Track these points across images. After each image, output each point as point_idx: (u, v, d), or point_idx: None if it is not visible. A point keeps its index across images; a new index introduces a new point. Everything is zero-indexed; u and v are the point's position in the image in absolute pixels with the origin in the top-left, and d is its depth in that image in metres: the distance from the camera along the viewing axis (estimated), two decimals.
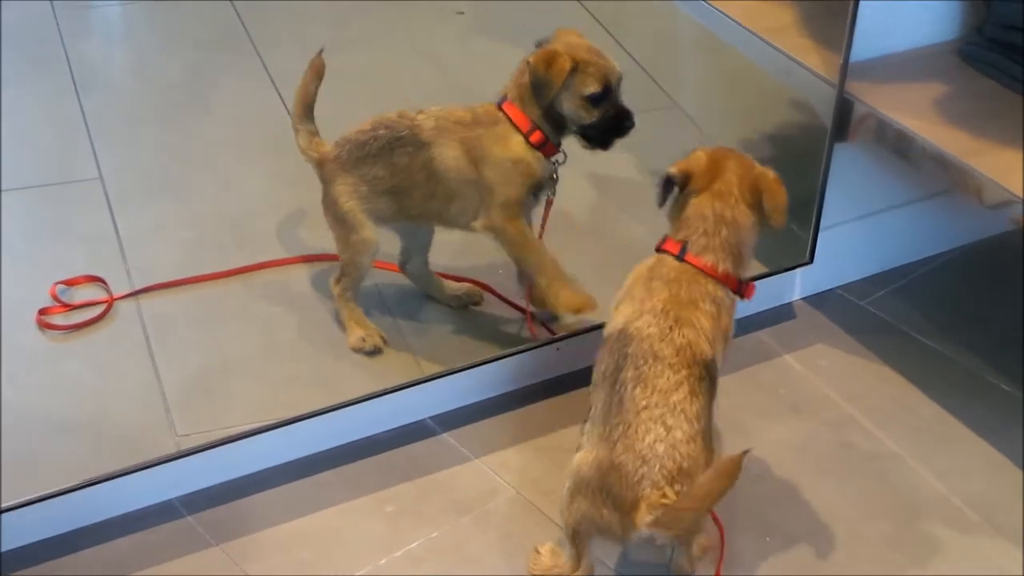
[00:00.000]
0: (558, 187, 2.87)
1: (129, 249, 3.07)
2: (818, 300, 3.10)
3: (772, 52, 2.93)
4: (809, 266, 3.03)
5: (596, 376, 2.36)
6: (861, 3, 2.69)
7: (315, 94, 2.89)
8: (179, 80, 3.74)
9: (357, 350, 2.84)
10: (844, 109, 2.81)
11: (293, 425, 2.61)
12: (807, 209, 2.94)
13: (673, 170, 2.42)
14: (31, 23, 3.94)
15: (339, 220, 2.80)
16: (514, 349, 2.81)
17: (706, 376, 2.31)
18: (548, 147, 2.71)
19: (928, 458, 2.71)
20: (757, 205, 2.42)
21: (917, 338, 3.01)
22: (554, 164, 2.73)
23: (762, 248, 3.07)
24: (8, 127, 3.45)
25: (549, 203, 2.78)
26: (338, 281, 2.86)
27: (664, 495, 2.18)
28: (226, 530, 2.50)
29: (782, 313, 3.07)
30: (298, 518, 2.53)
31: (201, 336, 2.88)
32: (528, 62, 2.69)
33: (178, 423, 2.65)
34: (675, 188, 2.42)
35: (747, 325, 3.01)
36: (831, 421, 2.79)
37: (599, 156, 3.41)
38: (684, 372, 2.27)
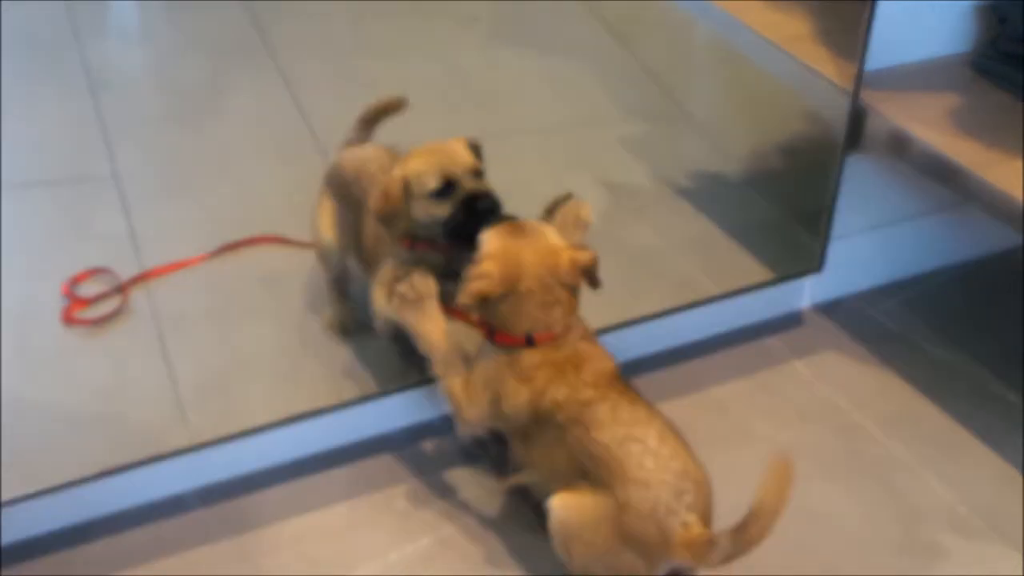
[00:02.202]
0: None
1: (143, 248, 3.09)
2: (828, 308, 3.12)
3: (786, 61, 2.95)
4: (819, 274, 3.04)
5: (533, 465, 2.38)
6: (876, 14, 2.71)
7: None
8: (194, 82, 3.75)
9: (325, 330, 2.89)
10: (857, 119, 2.82)
11: (305, 421, 2.63)
12: (818, 218, 2.96)
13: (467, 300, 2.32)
14: (46, 23, 3.96)
15: (313, 239, 2.88)
16: None
17: (627, 384, 2.33)
18: (420, 244, 2.61)
19: (935, 466, 2.72)
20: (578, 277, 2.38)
21: (926, 348, 3.02)
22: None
23: (773, 255, 3.11)
24: (22, 124, 3.48)
25: None
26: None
27: (689, 525, 2.20)
28: (237, 524, 2.51)
29: (791, 320, 3.08)
30: (309, 513, 2.55)
31: (215, 332, 2.89)
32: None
33: (191, 417, 2.66)
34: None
35: (756, 331, 3.03)
36: (839, 428, 2.81)
37: (611, 164, 3.47)
38: (613, 395, 2.30)
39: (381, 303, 2.62)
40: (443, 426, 2.73)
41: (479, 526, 2.55)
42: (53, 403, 2.68)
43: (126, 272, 2.98)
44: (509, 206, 3.30)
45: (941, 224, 3.18)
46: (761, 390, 2.90)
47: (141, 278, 2.98)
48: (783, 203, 3.32)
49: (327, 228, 2.84)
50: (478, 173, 2.59)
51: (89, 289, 2.95)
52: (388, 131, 3.50)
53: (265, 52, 3.84)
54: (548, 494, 2.32)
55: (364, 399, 2.69)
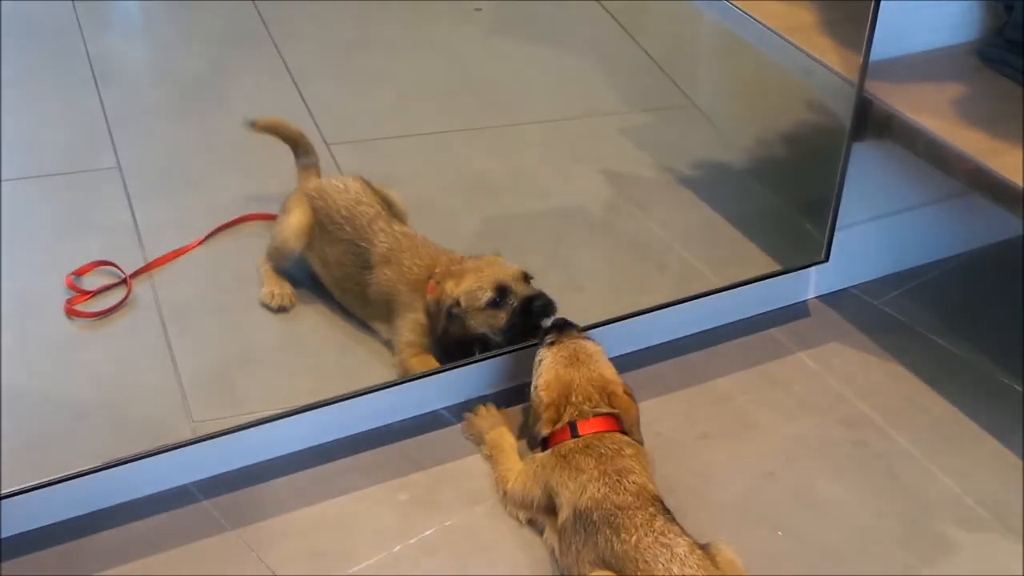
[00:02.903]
0: (571, 187, 2.83)
1: (147, 240, 3.08)
2: (833, 299, 3.11)
3: (792, 51, 2.94)
4: (824, 265, 3.03)
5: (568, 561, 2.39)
6: (882, 4, 2.70)
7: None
8: (198, 75, 3.75)
9: (265, 305, 2.92)
10: (863, 108, 2.81)
11: (308, 413, 2.62)
12: (823, 208, 2.95)
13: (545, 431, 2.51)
14: (51, 17, 3.96)
15: (277, 234, 2.97)
16: (527, 344, 2.81)
17: (664, 510, 2.36)
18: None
19: (940, 457, 2.71)
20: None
21: (931, 338, 3.01)
22: None
23: (778, 246, 3.10)
24: (26, 117, 3.47)
25: None
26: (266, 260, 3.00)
27: None
28: (241, 515, 2.51)
29: (797, 311, 3.07)
30: (313, 505, 2.54)
31: (219, 324, 2.90)
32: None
33: (194, 409, 2.66)
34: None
35: (762, 322, 3.02)
36: (844, 419, 2.80)
37: (615, 155, 3.47)
38: (651, 509, 2.33)
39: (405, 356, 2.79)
40: (447, 417, 2.73)
41: (483, 517, 2.54)
42: (56, 395, 2.68)
43: (129, 264, 2.98)
44: (513, 198, 3.32)
45: (945, 214, 3.17)
46: (766, 381, 2.89)
47: (143, 270, 2.98)
48: (788, 193, 3.31)
49: (297, 234, 2.93)
50: (526, 277, 2.73)
51: (92, 282, 2.95)
52: (390, 126, 3.52)
53: (268, 45, 3.83)
54: None
55: (368, 390, 2.68)
